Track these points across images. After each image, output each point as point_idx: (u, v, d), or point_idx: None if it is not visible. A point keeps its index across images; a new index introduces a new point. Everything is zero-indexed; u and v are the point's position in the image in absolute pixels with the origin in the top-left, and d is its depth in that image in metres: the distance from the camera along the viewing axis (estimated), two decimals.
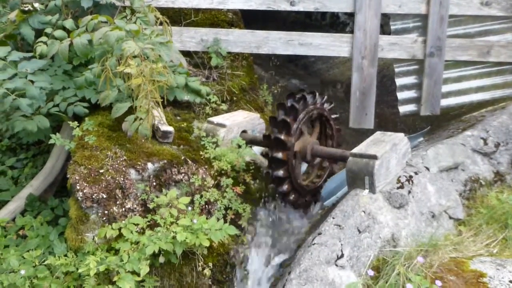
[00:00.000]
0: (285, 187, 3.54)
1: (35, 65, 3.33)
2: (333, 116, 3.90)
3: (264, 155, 3.63)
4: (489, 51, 4.49)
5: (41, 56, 3.36)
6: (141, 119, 3.25)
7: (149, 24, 3.61)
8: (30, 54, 3.36)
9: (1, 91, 3.08)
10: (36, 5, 3.65)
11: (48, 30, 3.46)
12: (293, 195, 3.62)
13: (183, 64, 3.59)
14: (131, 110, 3.32)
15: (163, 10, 4.05)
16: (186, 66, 3.73)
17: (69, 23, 3.52)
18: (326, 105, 3.81)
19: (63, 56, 3.30)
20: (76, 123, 3.36)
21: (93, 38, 3.18)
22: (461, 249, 3.07)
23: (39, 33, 3.53)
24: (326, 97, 3.83)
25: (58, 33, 3.46)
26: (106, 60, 3.22)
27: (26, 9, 3.59)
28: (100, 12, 3.72)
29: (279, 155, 3.46)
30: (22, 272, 2.92)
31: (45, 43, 3.39)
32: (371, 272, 2.87)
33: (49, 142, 3.29)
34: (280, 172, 3.48)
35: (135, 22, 3.48)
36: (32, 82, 3.23)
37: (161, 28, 3.76)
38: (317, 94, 3.72)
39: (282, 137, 3.43)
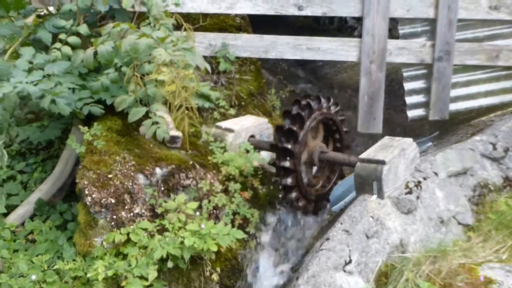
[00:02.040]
0: (293, 194, 3.53)
1: (60, 67, 3.41)
2: (340, 118, 3.90)
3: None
4: (498, 55, 4.46)
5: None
6: (157, 122, 3.32)
7: (172, 30, 3.63)
8: (54, 56, 3.41)
9: (38, 92, 3.13)
10: (51, 9, 3.68)
11: (62, 36, 3.50)
12: (302, 202, 3.61)
13: (208, 69, 3.65)
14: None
15: (171, 15, 4.07)
16: (209, 71, 3.81)
17: (83, 28, 3.55)
18: (333, 108, 3.80)
19: (88, 64, 3.35)
20: (86, 128, 3.39)
21: (119, 46, 3.22)
22: (470, 255, 3.06)
23: (53, 38, 3.57)
24: (337, 103, 3.84)
25: (72, 39, 3.50)
26: (135, 67, 3.27)
27: (42, 13, 3.62)
28: (115, 17, 3.76)
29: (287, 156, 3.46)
30: (33, 277, 2.94)
31: (59, 49, 3.43)
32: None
33: (67, 142, 3.31)
34: (288, 180, 3.48)
35: (159, 29, 3.51)
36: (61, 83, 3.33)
37: (179, 33, 3.77)
38: (329, 99, 3.73)
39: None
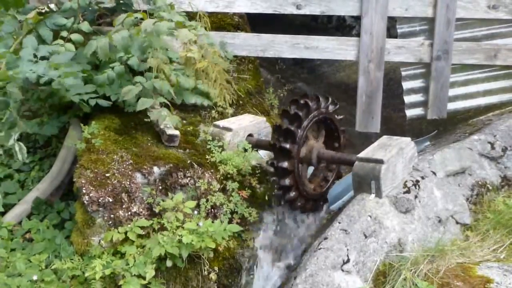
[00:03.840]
0: (292, 194, 3.52)
1: (66, 57, 3.40)
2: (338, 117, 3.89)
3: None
4: (496, 55, 4.47)
5: None
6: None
7: (186, 18, 3.63)
8: (57, 47, 3.41)
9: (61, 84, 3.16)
10: (52, 6, 3.67)
11: (64, 33, 3.49)
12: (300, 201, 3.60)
13: (221, 54, 3.67)
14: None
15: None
16: (222, 56, 3.84)
17: (85, 26, 3.55)
18: (331, 107, 3.79)
19: (103, 53, 3.34)
20: (86, 127, 3.38)
21: (137, 34, 3.23)
22: (468, 254, 3.06)
23: (54, 36, 3.57)
24: (335, 101, 3.82)
25: (75, 36, 3.50)
26: (153, 52, 3.30)
27: (43, 11, 3.61)
28: (116, 13, 3.76)
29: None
30: (35, 277, 2.93)
31: (62, 45, 3.42)
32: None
33: (64, 141, 3.30)
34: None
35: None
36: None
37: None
38: (327, 98, 3.72)
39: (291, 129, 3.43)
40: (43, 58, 3.35)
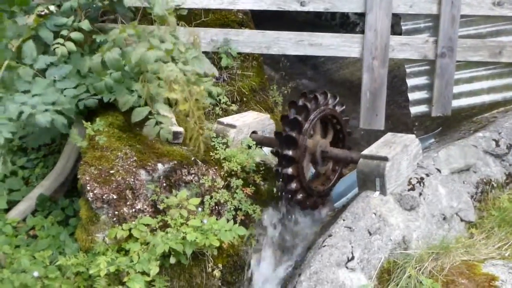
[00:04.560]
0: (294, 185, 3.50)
1: (62, 71, 3.43)
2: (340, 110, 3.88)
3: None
4: (501, 52, 4.45)
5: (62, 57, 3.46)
6: (161, 123, 3.28)
7: (178, 37, 3.60)
8: (58, 52, 3.41)
9: (42, 107, 3.14)
10: (52, 7, 3.67)
11: (64, 32, 3.49)
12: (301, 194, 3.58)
13: (215, 74, 3.67)
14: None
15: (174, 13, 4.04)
16: (217, 75, 3.84)
17: (85, 24, 3.54)
18: (331, 101, 3.77)
19: (96, 72, 3.34)
20: (89, 123, 3.38)
21: (128, 61, 3.22)
22: (473, 252, 3.05)
23: (55, 35, 3.56)
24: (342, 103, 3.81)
25: (75, 35, 3.49)
26: (145, 81, 3.26)
27: (42, 13, 3.61)
28: (115, 12, 3.75)
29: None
30: (35, 274, 2.93)
31: (63, 44, 3.42)
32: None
33: (68, 138, 3.30)
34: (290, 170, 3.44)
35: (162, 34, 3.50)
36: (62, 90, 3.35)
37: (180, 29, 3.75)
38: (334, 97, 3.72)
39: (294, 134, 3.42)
40: (39, 70, 3.38)
